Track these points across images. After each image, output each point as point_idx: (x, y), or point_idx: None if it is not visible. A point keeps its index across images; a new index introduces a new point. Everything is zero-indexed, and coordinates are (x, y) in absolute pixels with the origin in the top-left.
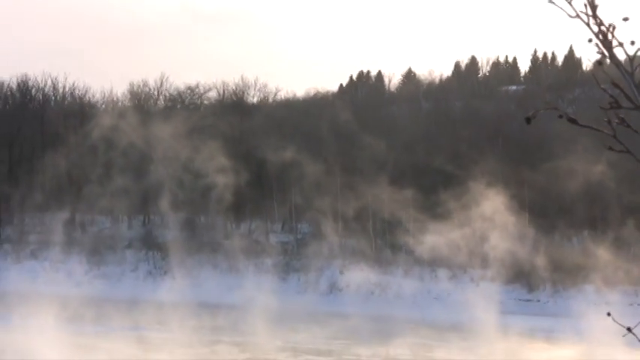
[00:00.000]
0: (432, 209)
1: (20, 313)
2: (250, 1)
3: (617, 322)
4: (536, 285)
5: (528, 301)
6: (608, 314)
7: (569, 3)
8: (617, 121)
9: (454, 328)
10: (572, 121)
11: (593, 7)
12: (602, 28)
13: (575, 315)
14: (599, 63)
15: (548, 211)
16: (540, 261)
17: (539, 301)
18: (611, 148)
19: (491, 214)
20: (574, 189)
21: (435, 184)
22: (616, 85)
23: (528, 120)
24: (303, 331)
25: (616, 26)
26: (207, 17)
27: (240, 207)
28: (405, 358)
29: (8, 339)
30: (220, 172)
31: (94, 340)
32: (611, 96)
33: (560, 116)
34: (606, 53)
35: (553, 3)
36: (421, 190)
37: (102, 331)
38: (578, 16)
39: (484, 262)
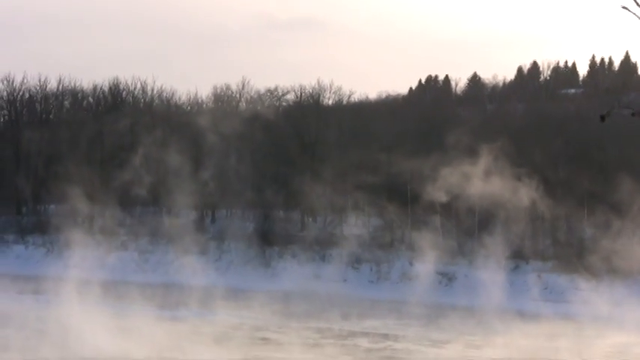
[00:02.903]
0: (497, 204)
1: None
2: (322, 9)
3: None
4: (594, 275)
5: (584, 290)
6: None
7: None
8: None
9: (518, 315)
10: None
11: None
12: None
13: (633, 303)
14: None
15: (606, 205)
16: (598, 252)
17: (596, 290)
18: None
19: (552, 209)
20: (632, 183)
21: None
22: None
23: (603, 118)
24: (377, 317)
25: None
26: (283, 24)
27: (316, 202)
28: (477, 342)
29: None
30: (299, 171)
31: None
32: None
33: (633, 114)
34: None
35: (627, 9)
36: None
37: (197, 315)
38: None
39: (545, 253)
